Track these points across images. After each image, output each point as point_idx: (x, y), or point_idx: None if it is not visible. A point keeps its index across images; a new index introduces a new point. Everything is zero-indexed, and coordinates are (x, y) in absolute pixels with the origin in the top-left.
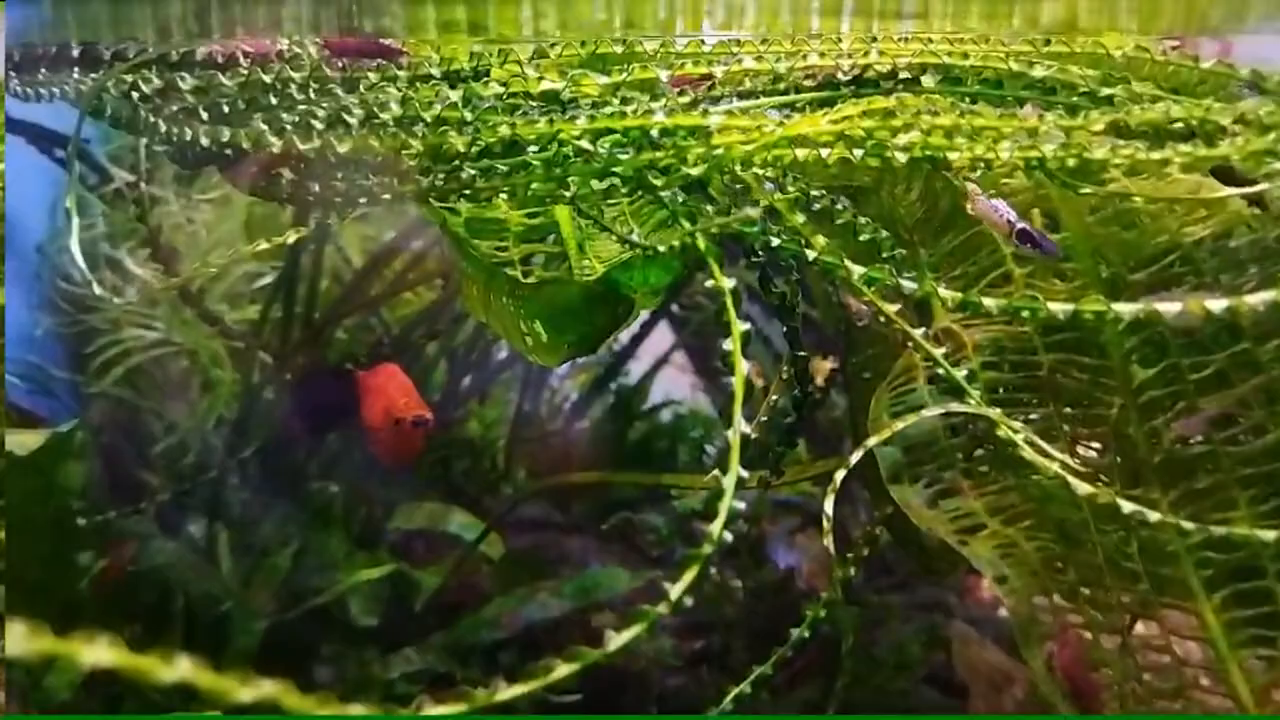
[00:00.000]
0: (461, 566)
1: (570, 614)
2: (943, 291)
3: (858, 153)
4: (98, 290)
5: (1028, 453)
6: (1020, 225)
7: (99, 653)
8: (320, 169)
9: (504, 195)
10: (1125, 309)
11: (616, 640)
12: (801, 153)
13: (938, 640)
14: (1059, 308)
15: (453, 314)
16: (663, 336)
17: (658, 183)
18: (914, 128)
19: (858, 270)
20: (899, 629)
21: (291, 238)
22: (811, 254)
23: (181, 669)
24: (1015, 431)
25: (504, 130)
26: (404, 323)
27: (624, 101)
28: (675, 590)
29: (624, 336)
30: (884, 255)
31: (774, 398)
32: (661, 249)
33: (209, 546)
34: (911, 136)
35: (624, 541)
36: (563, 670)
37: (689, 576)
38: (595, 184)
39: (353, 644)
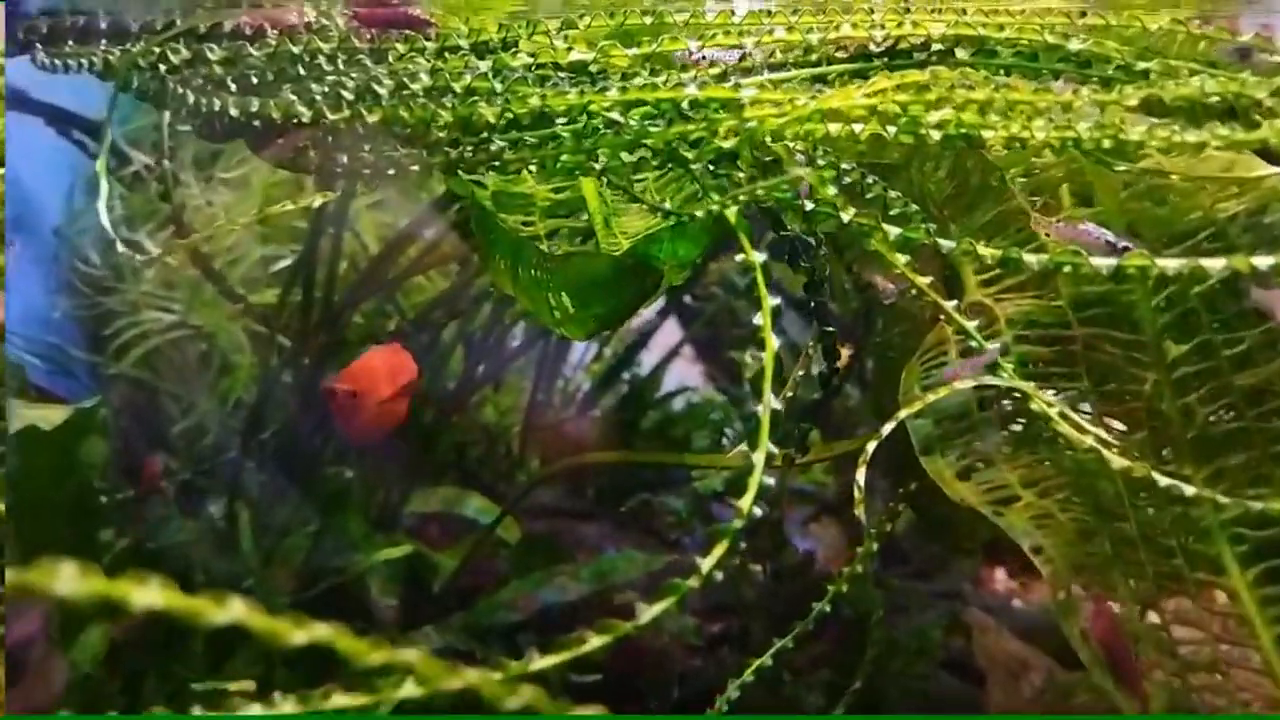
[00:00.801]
0: (479, 549)
1: (588, 597)
2: (982, 249)
3: (891, 130)
4: (121, 249)
5: (1062, 426)
6: (1123, 244)
7: (150, 594)
8: (347, 140)
9: (532, 168)
10: (1170, 264)
11: (648, 613)
12: (834, 127)
13: (957, 626)
14: (1101, 263)
15: (468, 299)
16: (670, 329)
17: (688, 155)
18: (948, 102)
19: (894, 231)
20: (918, 615)
21: (317, 201)
22: (845, 217)
23: (234, 610)
24: (1050, 405)
25: (534, 101)
26: (419, 307)
27: (653, 73)
28: (706, 563)
29: (634, 325)
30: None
31: (799, 373)
32: (699, 214)
33: (229, 527)
34: (945, 113)
35: (640, 526)
36: (594, 642)
37: (719, 550)
38: (625, 156)
39: (372, 624)
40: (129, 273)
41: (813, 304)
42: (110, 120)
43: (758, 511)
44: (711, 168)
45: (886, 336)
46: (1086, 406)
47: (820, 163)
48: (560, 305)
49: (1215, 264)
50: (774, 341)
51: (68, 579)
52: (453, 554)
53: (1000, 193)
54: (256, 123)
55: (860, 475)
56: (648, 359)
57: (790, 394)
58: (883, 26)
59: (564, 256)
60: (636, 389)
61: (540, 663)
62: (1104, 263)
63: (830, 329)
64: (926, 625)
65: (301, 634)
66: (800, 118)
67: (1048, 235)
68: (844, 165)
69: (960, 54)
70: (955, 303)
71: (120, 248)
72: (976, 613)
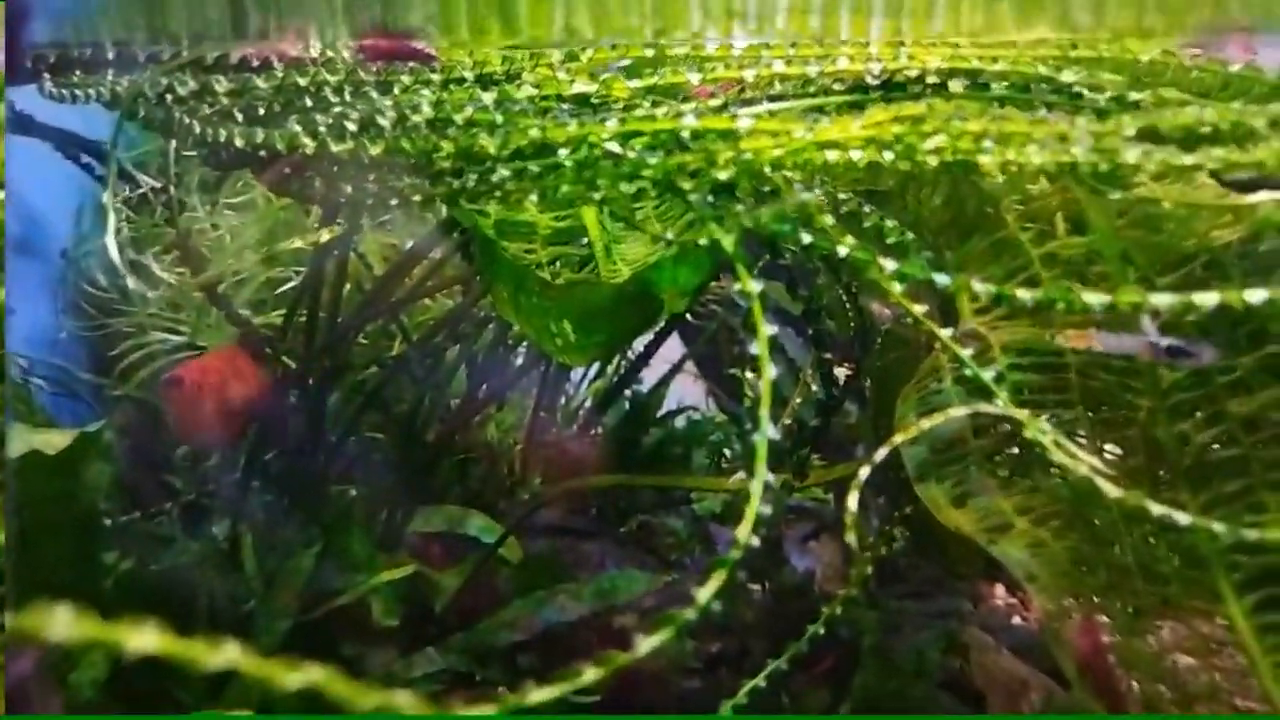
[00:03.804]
0: (481, 569)
1: (588, 617)
2: (976, 285)
3: (888, 156)
4: (130, 284)
5: (1057, 454)
6: (1167, 343)
7: (144, 638)
8: (352, 170)
9: (534, 198)
10: (1162, 300)
11: (645, 644)
12: (832, 155)
13: (955, 646)
14: (1094, 298)
15: (472, 320)
16: (672, 345)
17: (686, 186)
18: (944, 133)
19: (890, 265)
20: (915, 636)
21: (324, 236)
22: (843, 250)
23: (228, 655)
24: (1044, 433)
25: (534, 133)
26: (421, 329)
27: (654, 104)
28: (703, 594)
29: (638, 344)
30: (912, 256)
31: (797, 400)
32: (701, 242)
33: (232, 548)
34: (940, 140)
35: (640, 545)
36: (591, 674)
37: (716, 581)
38: (625, 186)
39: (373, 644)
40: (135, 295)
41: (811, 330)
42: (115, 150)
43: (756, 541)
44: (710, 198)
45: (882, 362)
46: (1081, 433)
47: (817, 191)
48: (562, 333)
49: (1208, 298)
50: (771, 370)
51: (62, 624)
52: (455, 574)
53: (995, 220)
54: (262, 153)
55: (852, 501)
56: (648, 376)
57: (788, 420)
58: (879, 60)
59: (566, 285)
60: (638, 407)
61: (537, 695)
62: (1096, 298)
63: (828, 356)
64: (924, 645)
65: (296, 677)
66: (798, 149)
67: (1085, 349)
68: (841, 194)
69: (954, 86)
70: (950, 330)
71: (131, 282)
72: (975, 632)
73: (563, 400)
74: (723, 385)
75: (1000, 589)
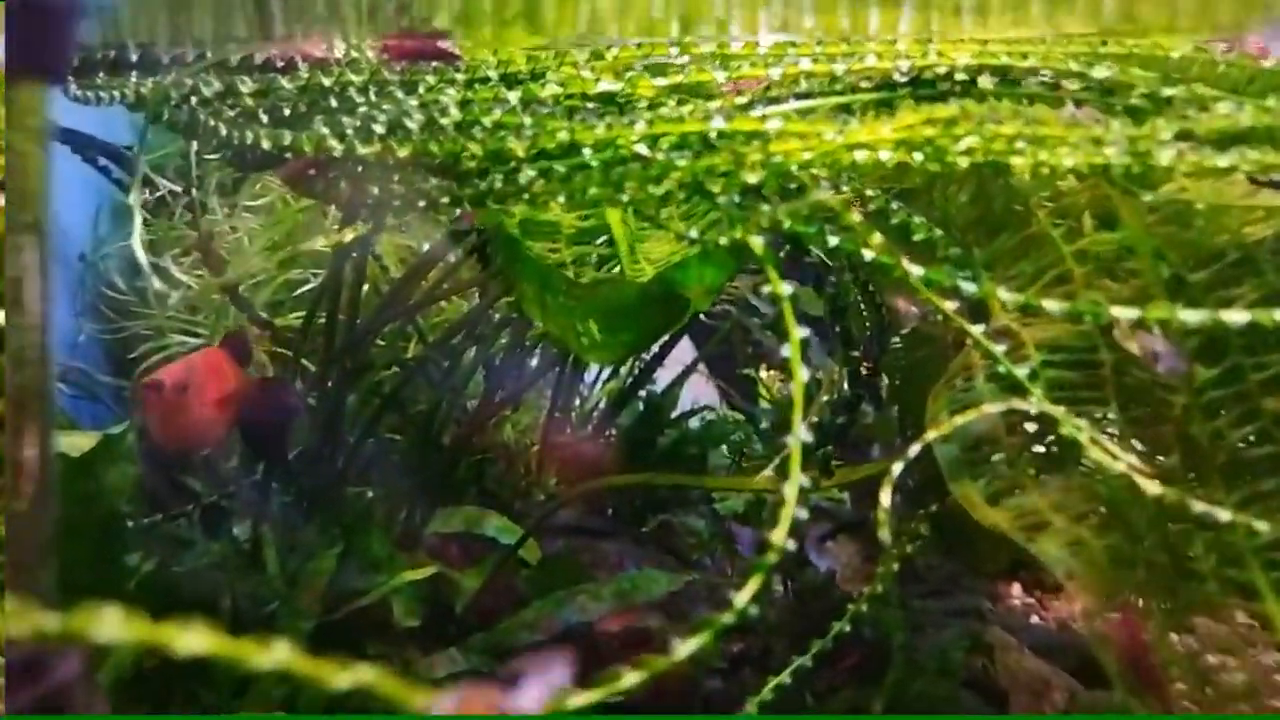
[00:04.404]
0: (501, 569)
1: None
2: (1003, 294)
3: (918, 157)
4: (156, 286)
5: (1094, 452)
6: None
7: (195, 639)
8: (377, 170)
9: (561, 199)
10: (1191, 316)
11: (684, 649)
12: (861, 156)
13: (979, 646)
14: (1123, 313)
15: (489, 323)
16: (683, 345)
17: (715, 188)
18: (976, 135)
19: (917, 270)
20: (938, 635)
21: (348, 236)
22: (869, 254)
23: (279, 655)
24: (1080, 430)
25: (562, 135)
26: (436, 331)
27: (680, 103)
28: (740, 598)
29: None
30: (940, 255)
31: (824, 398)
32: (723, 241)
33: (253, 549)
34: (972, 141)
35: (659, 545)
36: (631, 677)
37: (754, 584)
38: (653, 189)
39: (395, 644)
40: (154, 297)
41: (837, 329)
42: (141, 153)
43: (791, 545)
44: (737, 199)
45: (907, 359)
46: (1114, 431)
47: (844, 189)
48: (588, 332)
49: (1238, 317)
50: (804, 373)
51: (112, 625)
52: (474, 574)
53: (1024, 218)
54: (289, 155)
55: (885, 498)
56: (660, 376)
57: (814, 418)
58: (907, 57)
59: (591, 284)
60: (652, 408)
61: (577, 699)
62: (1125, 313)
63: (856, 354)
64: (948, 645)
65: (347, 677)
66: (827, 151)
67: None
68: (868, 191)
69: (983, 83)
70: (983, 327)
71: (157, 284)
72: (998, 631)
73: (577, 401)
74: (735, 385)
75: (1017, 588)
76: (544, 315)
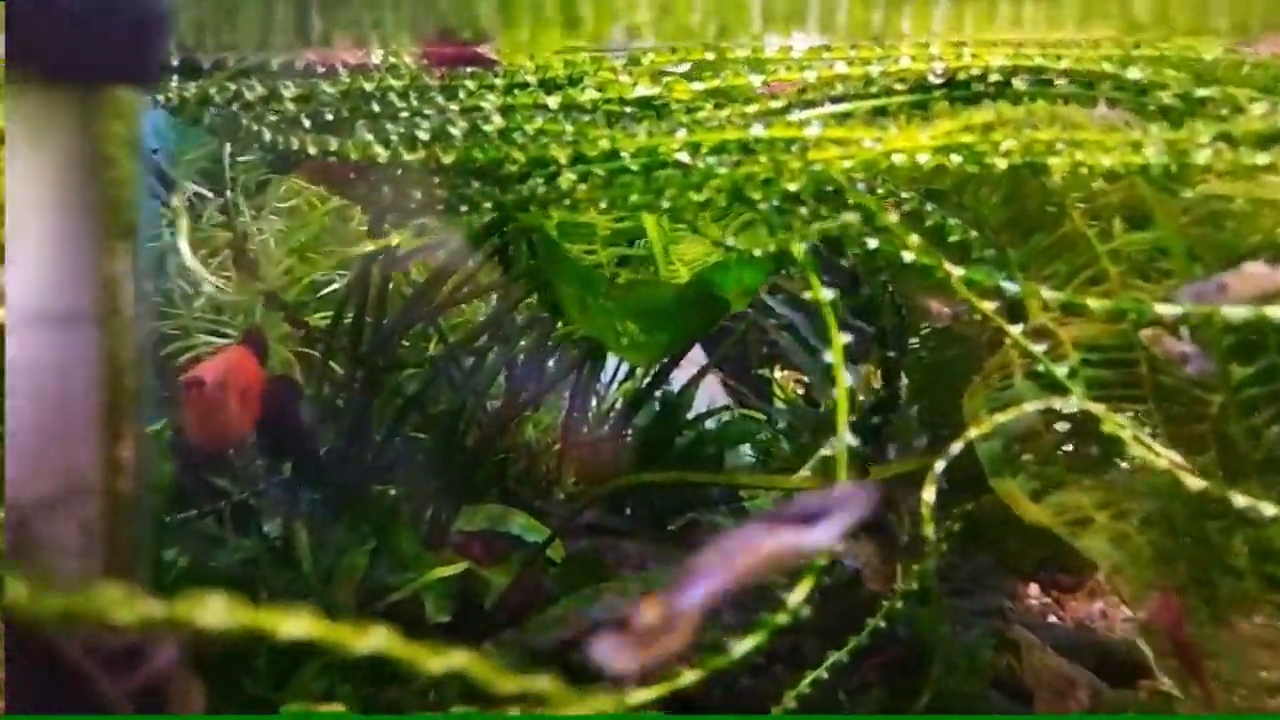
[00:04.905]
0: (529, 567)
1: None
2: (1046, 293)
3: (955, 160)
4: (210, 283)
5: (1136, 449)
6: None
7: (296, 624)
8: (417, 175)
9: (602, 205)
10: (1234, 313)
11: (741, 646)
12: (897, 159)
13: (1006, 645)
14: (1166, 310)
15: (511, 324)
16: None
17: (756, 195)
18: (1014, 140)
19: (957, 271)
20: (964, 633)
21: (394, 239)
22: (909, 256)
23: (375, 639)
24: (1123, 427)
25: (604, 143)
26: (458, 331)
27: (717, 106)
28: (793, 598)
29: None
30: (975, 257)
31: (861, 398)
32: (757, 253)
33: (286, 546)
34: (1010, 145)
35: (680, 544)
36: (689, 675)
37: (806, 585)
38: (693, 195)
39: (427, 640)
40: (180, 297)
41: (874, 329)
42: (179, 157)
43: (839, 547)
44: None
45: (934, 359)
46: (1153, 429)
47: (879, 191)
48: (628, 332)
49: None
50: (847, 378)
51: (217, 612)
52: (501, 571)
53: (1058, 217)
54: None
55: (929, 494)
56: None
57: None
58: (941, 59)
59: (631, 285)
60: (669, 407)
61: (638, 696)
62: (1168, 309)
63: (891, 354)
64: (977, 643)
65: (440, 661)
66: (867, 159)
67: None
68: (903, 192)
69: (1017, 84)
70: (1021, 326)
71: (207, 286)
72: (1019, 630)
73: (594, 401)
74: (749, 385)
75: (1035, 588)
76: (584, 316)
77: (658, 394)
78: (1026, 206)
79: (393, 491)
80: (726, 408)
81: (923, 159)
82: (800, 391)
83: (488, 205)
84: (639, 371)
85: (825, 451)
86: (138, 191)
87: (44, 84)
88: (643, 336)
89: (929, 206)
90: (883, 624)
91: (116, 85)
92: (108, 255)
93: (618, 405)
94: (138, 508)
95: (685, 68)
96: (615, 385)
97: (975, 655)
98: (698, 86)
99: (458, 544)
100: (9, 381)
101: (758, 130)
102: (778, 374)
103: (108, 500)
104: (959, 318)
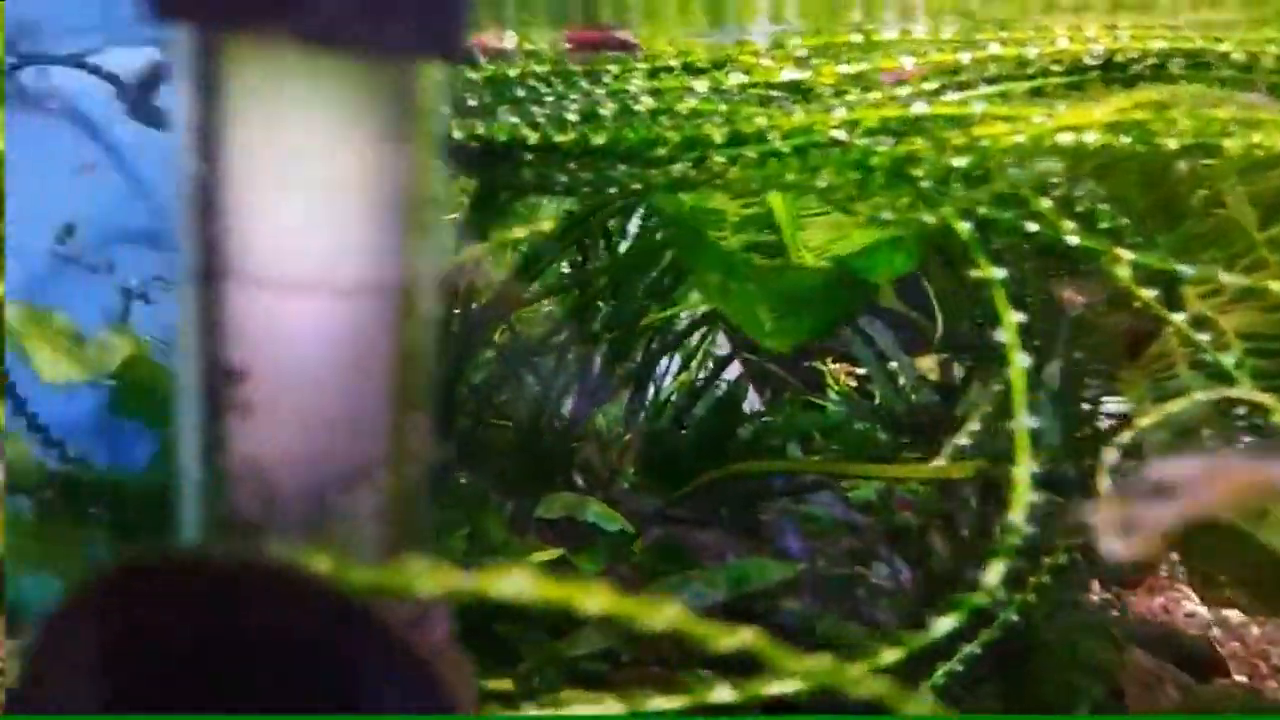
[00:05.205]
0: (618, 555)
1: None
2: (1224, 278)
3: (1125, 140)
4: None
5: None
6: None
7: (597, 598)
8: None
9: (754, 186)
10: None
11: (939, 627)
12: (1065, 139)
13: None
14: None
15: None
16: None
17: (917, 172)
18: (1190, 119)
19: (1127, 255)
20: (1073, 630)
21: (545, 225)
22: (1073, 239)
23: (669, 614)
24: None
25: (760, 121)
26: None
27: (865, 90)
28: (990, 577)
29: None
30: (1129, 242)
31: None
32: (924, 221)
33: None
34: (1185, 125)
35: (751, 535)
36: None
37: (1000, 565)
38: (851, 174)
39: (525, 625)
40: None
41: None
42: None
43: (1028, 529)
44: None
45: (1074, 350)
46: None
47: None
48: (770, 317)
49: None
50: (1022, 360)
51: (518, 583)
52: (587, 558)
53: (1210, 203)
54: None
55: (1104, 485)
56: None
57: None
58: (1098, 41)
59: (774, 269)
60: (725, 399)
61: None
62: None
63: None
64: (1081, 638)
65: (731, 640)
66: (1037, 135)
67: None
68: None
69: (1173, 68)
70: (1182, 315)
71: None
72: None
73: (652, 393)
74: (800, 376)
75: (1095, 584)
76: (726, 301)
77: (717, 387)
78: (1177, 191)
79: (474, 480)
80: (789, 398)
81: (1090, 138)
82: (853, 384)
83: (636, 187)
84: (693, 364)
85: (961, 440)
86: (439, 165)
87: (354, 57)
88: (785, 322)
89: (1078, 191)
90: (1014, 618)
91: (427, 60)
92: (413, 229)
93: (674, 398)
94: (425, 481)
95: (828, 52)
96: (670, 379)
97: (1087, 650)
98: (845, 69)
99: (539, 531)
100: (300, 350)
101: (920, 107)
102: (829, 366)
103: (400, 473)
104: (1091, 306)
